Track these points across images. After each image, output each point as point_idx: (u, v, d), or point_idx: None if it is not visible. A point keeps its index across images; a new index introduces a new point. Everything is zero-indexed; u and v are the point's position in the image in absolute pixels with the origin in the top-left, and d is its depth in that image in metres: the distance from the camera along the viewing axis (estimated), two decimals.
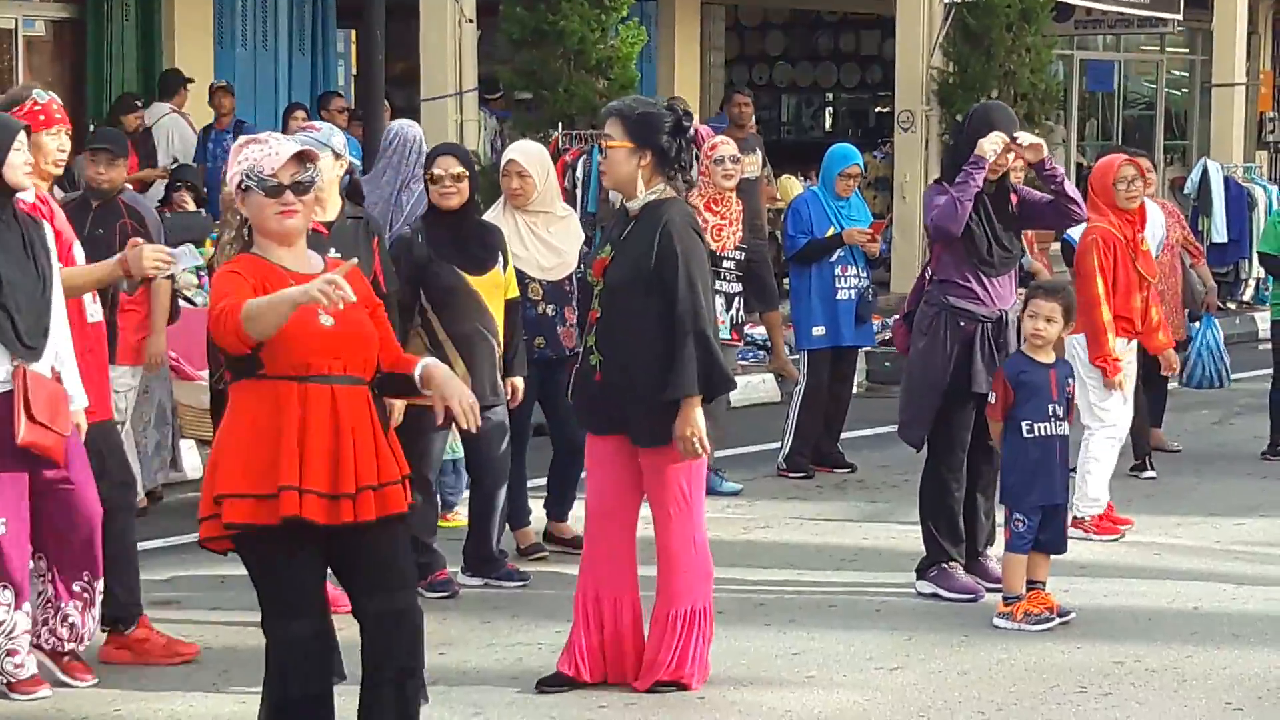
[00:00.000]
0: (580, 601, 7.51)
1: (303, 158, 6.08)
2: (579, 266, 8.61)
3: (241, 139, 6.40)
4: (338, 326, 5.96)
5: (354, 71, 18.13)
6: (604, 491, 7.61)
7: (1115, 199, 10.27)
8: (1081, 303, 9.97)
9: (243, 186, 6.04)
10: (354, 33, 17.99)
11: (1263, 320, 19.39)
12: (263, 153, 6.08)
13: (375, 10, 13.58)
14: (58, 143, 7.77)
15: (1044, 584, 8.46)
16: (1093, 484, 10.25)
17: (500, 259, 8.87)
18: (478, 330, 8.81)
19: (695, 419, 7.16)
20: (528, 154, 9.70)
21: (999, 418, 8.57)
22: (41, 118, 7.76)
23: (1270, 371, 12.94)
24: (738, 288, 11.59)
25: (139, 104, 16.43)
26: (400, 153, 9.61)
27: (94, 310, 7.79)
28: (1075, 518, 10.07)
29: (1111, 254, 10.15)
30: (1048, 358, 8.60)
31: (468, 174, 9.00)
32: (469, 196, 9.00)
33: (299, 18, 18.68)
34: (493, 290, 8.85)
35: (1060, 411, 8.57)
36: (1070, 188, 9.30)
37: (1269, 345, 13.34)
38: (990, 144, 8.86)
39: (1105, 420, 10.20)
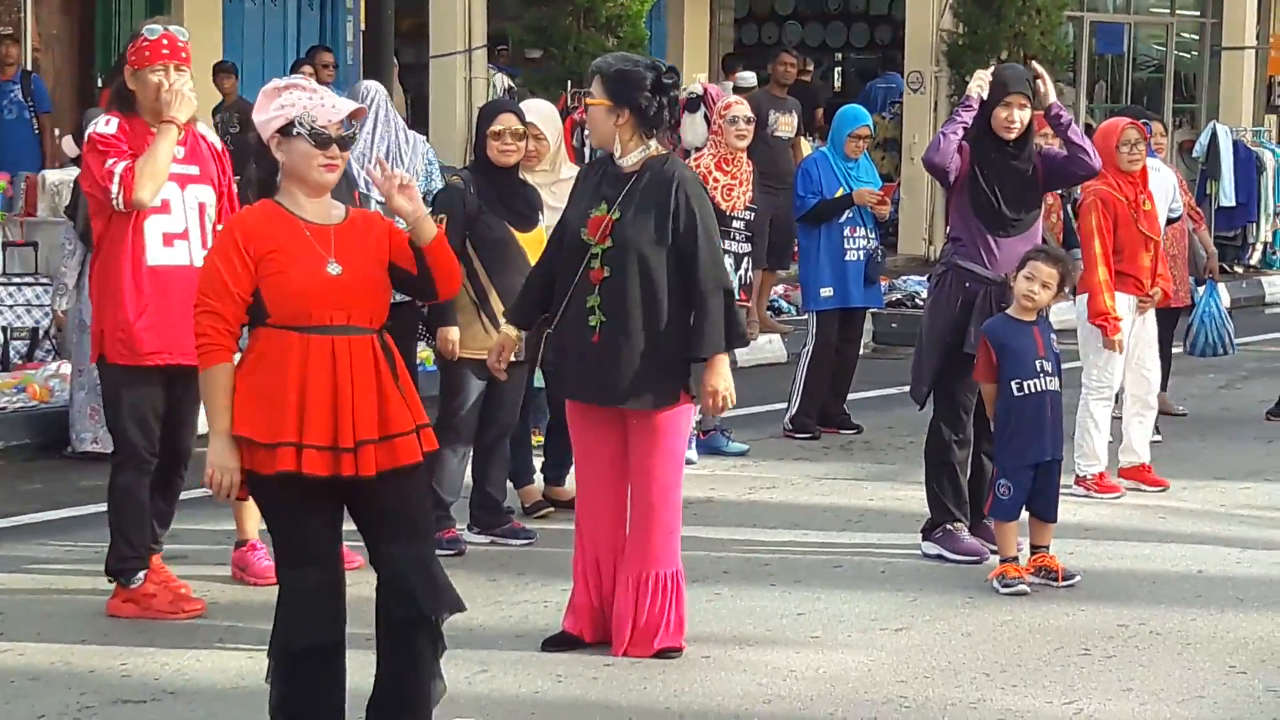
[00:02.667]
0: (579, 564, 7.56)
1: (352, 115, 6.12)
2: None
3: (277, 83, 6.38)
4: (345, 276, 5.98)
5: (363, 27, 18.06)
6: (594, 459, 7.61)
7: (1118, 161, 10.35)
8: (1084, 262, 10.09)
9: (294, 132, 6.04)
10: None
11: (1270, 285, 19.48)
12: (314, 102, 6.10)
13: None
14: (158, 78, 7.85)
15: (1047, 548, 8.52)
16: (1090, 444, 10.38)
17: (540, 218, 8.92)
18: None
19: (726, 373, 7.24)
20: (542, 115, 9.70)
21: (987, 379, 8.62)
22: (147, 54, 7.87)
23: None
24: (747, 248, 11.68)
25: None
26: (384, 106, 9.66)
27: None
28: (1078, 476, 10.29)
29: (1112, 214, 10.26)
30: (1030, 316, 8.62)
31: (524, 131, 9.06)
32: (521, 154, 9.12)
33: None
34: (535, 247, 8.77)
35: (1049, 367, 8.61)
36: (1077, 134, 9.34)
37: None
38: (975, 83, 9.06)
39: (1101, 381, 10.37)
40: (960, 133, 9.02)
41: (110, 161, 7.56)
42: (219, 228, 7.86)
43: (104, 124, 7.67)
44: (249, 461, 5.95)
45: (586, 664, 7.44)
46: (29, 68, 17.05)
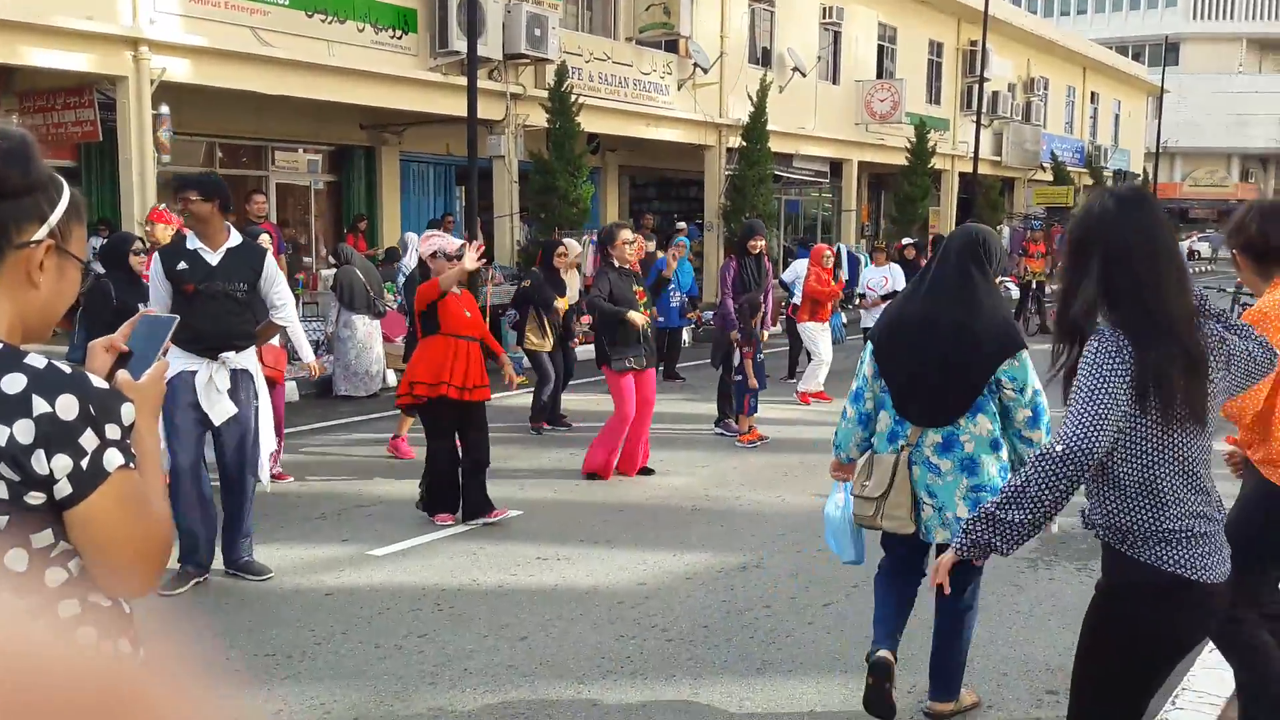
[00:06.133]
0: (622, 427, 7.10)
1: (461, 247, 5.97)
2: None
3: (428, 233, 6.19)
4: (472, 317, 5.86)
5: (462, 204, 17.98)
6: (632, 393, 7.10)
7: (822, 262, 10.55)
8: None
9: (436, 256, 5.90)
10: (463, 188, 17.91)
11: (865, 316, 19.60)
12: (444, 241, 5.93)
13: (473, 180, 13.24)
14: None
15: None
16: (816, 378, 10.45)
17: (567, 291, 8.60)
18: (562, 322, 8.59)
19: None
20: (574, 251, 9.21)
21: (750, 354, 8.37)
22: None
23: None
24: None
25: (363, 219, 16.36)
26: (416, 243, 8.67)
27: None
28: (799, 393, 10.38)
29: (814, 285, 10.45)
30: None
31: (567, 254, 8.70)
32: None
33: (439, 180, 18.38)
34: (563, 305, 8.66)
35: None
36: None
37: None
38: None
39: (819, 354, 10.47)
40: (730, 293, 8.57)
41: None
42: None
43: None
44: (422, 391, 5.67)
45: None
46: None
